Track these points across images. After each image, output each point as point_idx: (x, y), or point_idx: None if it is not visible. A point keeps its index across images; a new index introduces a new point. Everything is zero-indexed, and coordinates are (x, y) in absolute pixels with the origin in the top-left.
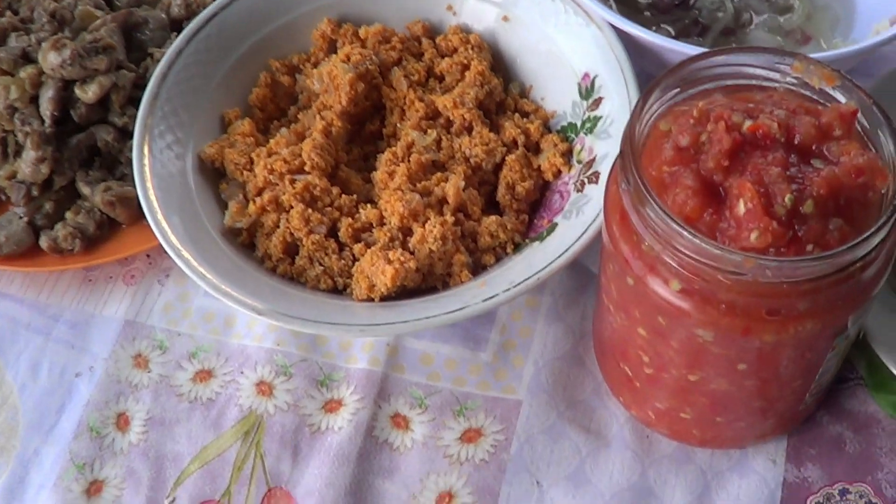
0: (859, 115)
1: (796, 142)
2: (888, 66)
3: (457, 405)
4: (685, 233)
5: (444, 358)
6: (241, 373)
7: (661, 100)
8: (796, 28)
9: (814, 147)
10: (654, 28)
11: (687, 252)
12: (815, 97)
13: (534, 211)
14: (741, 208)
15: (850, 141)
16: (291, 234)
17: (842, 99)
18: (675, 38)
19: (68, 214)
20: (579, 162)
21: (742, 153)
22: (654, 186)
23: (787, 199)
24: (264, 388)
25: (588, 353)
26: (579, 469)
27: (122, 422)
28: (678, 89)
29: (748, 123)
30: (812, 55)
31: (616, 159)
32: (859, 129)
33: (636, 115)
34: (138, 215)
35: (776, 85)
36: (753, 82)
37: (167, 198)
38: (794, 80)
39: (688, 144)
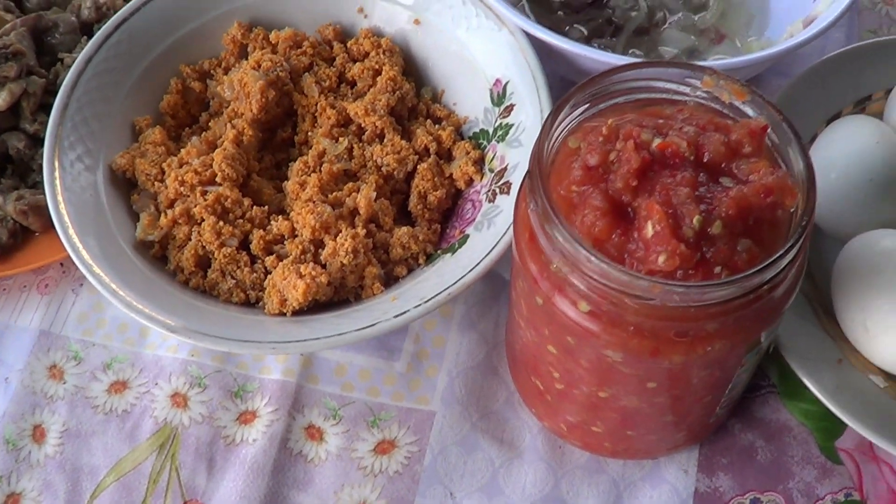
0: (769, 130)
1: (705, 160)
2: (804, 64)
3: (371, 416)
4: (592, 257)
5: (357, 368)
6: (156, 384)
7: (570, 116)
8: (710, 27)
9: (723, 165)
10: (567, 28)
11: (594, 276)
12: (725, 111)
13: (446, 220)
14: (649, 230)
15: (759, 158)
16: (203, 246)
17: (752, 114)
18: (589, 38)
19: None
20: (491, 170)
21: (651, 172)
22: (563, 206)
23: (695, 221)
24: (179, 400)
25: (501, 362)
26: (492, 480)
27: (38, 434)
28: (588, 105)
29: (657, 141)
30: (725, 61)
31: (525, 176)
32: (769, 144)
33: (544, 134)
34: (52, 224)
35: (687, 99)
36: (664, 96)
37: (78, 212)
38: (705, 95)
39: (597, 164)
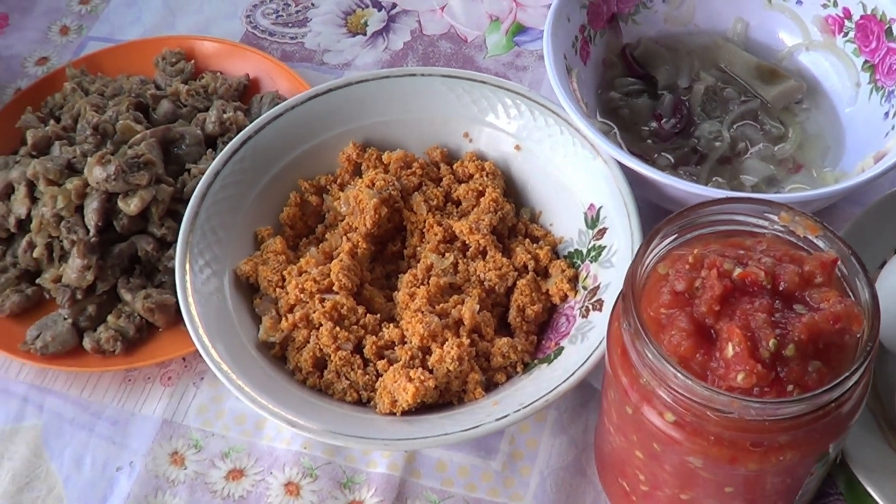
0: (839, 263)
1: (781, 288)
2: (877, 193)
3: None
4: (679, 374)
5: (457, 465)
6: (271, 473)
7: (660, 245)
8: (789, 157)
9: (797, 293)
10: (655, 155)
11: (679, 390)
12: (799, 244)
13: (542, 331)
14: (730, 351)
15: (829, 288)
16: (321, 349)
17: (823, 246)
18: (675, 165)
19: (110, 318)
20: (584, 288)
21: (732, 298)
22: (652, 326)
23: (771, 344)
24: (292, 489)
25: (589, 465)
26: None
27: None
28: (676, 235)
29: (738, 271)
30: (800, 194)
31: (618, 298)
32: (839, 274)
33: (637, 261)
34: (175, 320)
35: (765, 231)
36: (744, 228)
37: (207, 314)
38: (782, 228)
39: (683, 289)
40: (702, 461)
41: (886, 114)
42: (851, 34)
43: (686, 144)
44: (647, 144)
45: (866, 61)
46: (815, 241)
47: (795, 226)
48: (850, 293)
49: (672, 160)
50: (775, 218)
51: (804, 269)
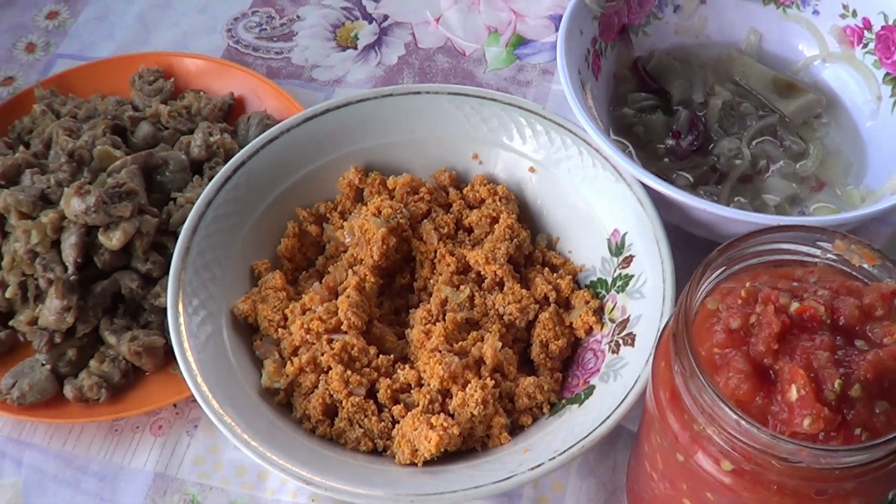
0: None
1: (841, 323)
2: None
3: None
4: (742, 420)
5: None
6: None
7: (709, 279)
8: (811, 175)
9: (857, 328)
10: (673, 174)
11: (740, 437)
12: (853, 273)
13: (565, 367)
14: (793, 394)
15: (892, 322)
16: (330, 395)
17: (879, 276)
18: (694, 185)
19: (92, 363)
20: (612, 321)
21: (790, 335)
22: (705, 367)
23: (836, 385)
24: None
25: None
26: None
27: None
28: (724, 267)
29: (795, 305)
30: (837, 216)
31: (663, 333)
32: None
33: (690, 299)
34: (164, 363)
35: (816, 261)
36: (794, 258)
37: (204, 360)
38: (835, 257)
39: (738, 327)
40: None
41: None
42: (871, 45)
43: (705, 163)
44: (664, 163)
45: (888, 73)
46: (870, 270)
47: (850, 254)
48: None
49: (691, 179)
50: (829, 246)
51: (864, 302)
